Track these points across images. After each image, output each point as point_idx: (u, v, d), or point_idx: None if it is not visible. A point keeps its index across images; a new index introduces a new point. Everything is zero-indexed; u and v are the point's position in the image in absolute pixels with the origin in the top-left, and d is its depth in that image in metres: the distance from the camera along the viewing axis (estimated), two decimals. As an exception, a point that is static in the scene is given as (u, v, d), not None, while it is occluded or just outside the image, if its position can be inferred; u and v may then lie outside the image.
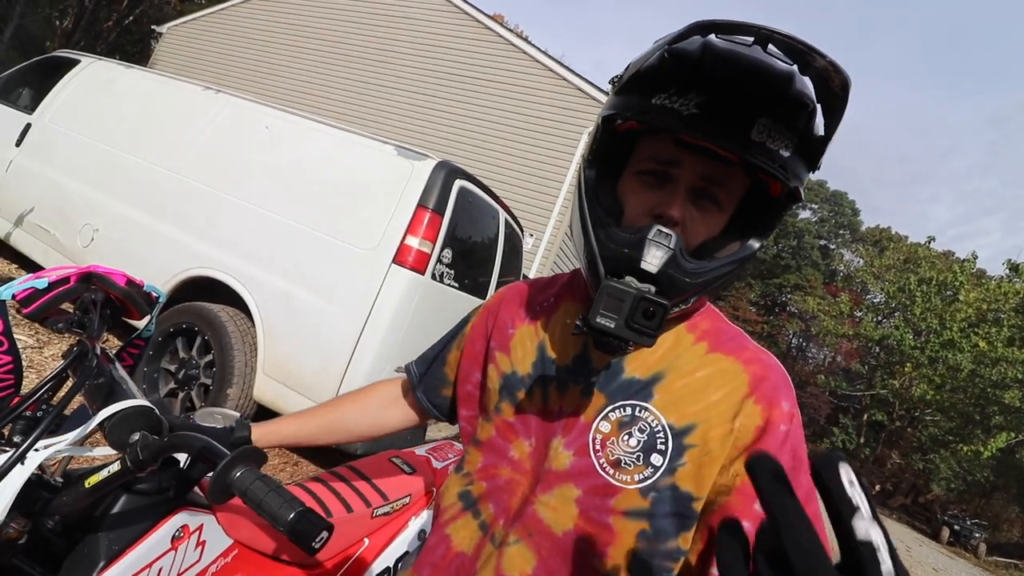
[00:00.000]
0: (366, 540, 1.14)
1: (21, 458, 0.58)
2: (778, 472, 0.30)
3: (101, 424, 0.67)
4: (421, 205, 2.67)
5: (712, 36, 0.56)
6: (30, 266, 3.84)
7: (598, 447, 0.64)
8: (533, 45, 9.05)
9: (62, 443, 0.64)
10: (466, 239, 3.09)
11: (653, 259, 0.57)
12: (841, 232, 38.09)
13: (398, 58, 9.73)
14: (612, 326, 0.54)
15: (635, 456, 0.62)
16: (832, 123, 0.57)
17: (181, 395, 2.90)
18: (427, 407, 0.90)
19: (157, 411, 0.72)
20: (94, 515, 0.72)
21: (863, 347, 25.73)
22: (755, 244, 0.62)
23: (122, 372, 0.80)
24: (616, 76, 0.65)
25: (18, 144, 3.84)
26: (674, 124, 0.56)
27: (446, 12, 9.58)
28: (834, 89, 0.54)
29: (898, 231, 35.20)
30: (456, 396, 0.85)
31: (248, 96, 3.57)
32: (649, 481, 0.61)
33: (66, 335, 0.77)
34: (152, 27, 13.26)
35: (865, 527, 0.27)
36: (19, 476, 0.59)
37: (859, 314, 24.52)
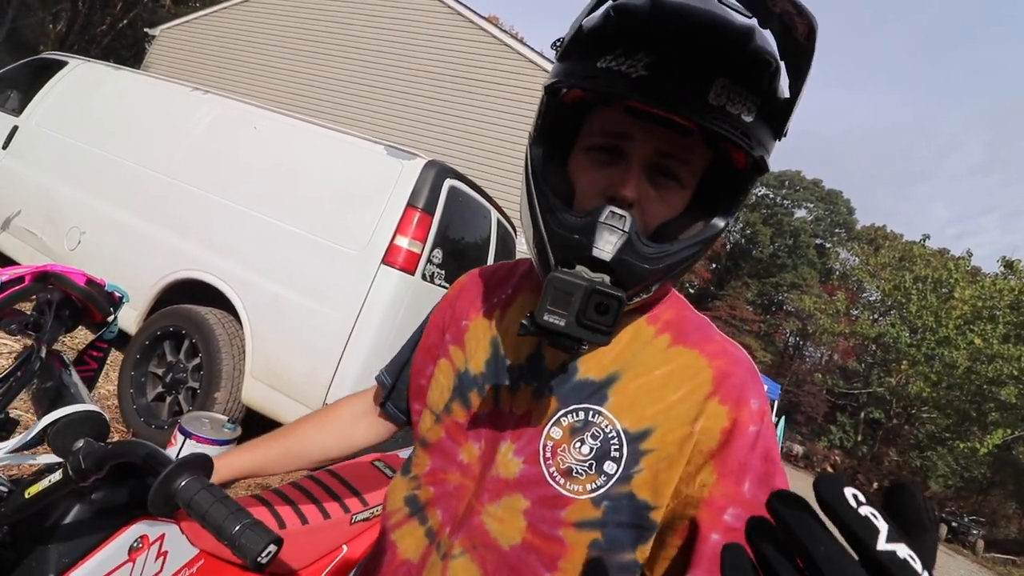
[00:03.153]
0: (344, 547, 1.11)
1: None
2: (803, 508, 0.27)
3: (45, 430, 0.64)
4: (411, 205, 2.64)
5: None
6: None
7: (548, 455, 0.59)
8: (528, 46, 9.03)
9: (4, 451, 0.60)
10: (457, 239, 3.06)
11: (606, 245, 0.51)
12: (837, 231, 38.21)
13: (392, 59, 9.70)
14: (562, 324, 0.48)
15: (587, 465, 0.57)
16: (798, 79, 0.51)
17: (169, 399, 2.86)
18: (394, 415, 0.86)
19: (104, 416, 0.69)
20: (45, 525, 0.69)
21: (860, 345, 25.80)
22: (720, 223, 0.56)
23: (75, 376, 0.76)
24: (558, 39, 0.57)
25: (4, 147, 3.79)
26: (621, 89, 0.50)
27: (440, 13, 9.56)
28: (798, 37, 0.49)
29: (893, 229, 35.31)
30: (410, 393, 0.81)
31: (239, 97, 3.53)
32: (602, 490, 0.56)
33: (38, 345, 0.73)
34: (145, 30, 13.20)
35: (890, 547, 0.24)
36: None
37: (855, 312, 24.59)
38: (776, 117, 0.52)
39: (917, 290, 18.67)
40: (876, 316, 24.56)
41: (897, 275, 21.44)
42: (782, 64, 0.50)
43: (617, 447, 0.57)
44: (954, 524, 17.53)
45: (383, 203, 2.66)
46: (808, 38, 0.48)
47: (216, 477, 0.78)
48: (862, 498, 0.26)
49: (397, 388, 0.85)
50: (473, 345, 0.70)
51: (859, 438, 26.09)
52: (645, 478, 0.56)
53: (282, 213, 2.83)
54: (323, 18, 10.62)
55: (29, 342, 0.77)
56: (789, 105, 0.52)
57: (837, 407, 28.79)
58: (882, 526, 0.25)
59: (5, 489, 0.70)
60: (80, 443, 0.62)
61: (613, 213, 0.51)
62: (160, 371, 2.90)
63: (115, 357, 3.33)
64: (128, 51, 19.03)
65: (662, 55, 0.49)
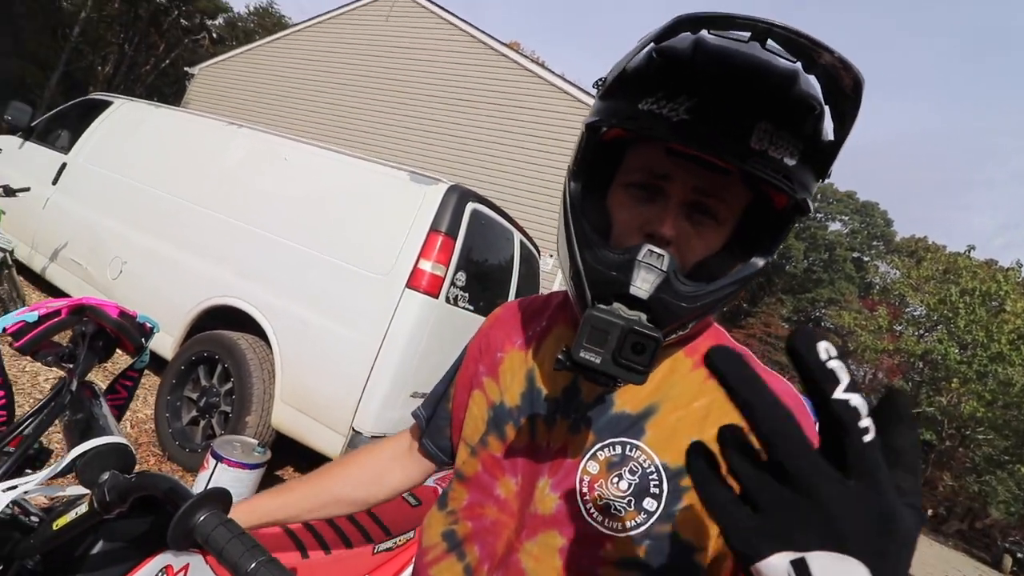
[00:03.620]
0: (366, 578, 1.09)
1: None
2: (744, 366, 0.29)
3: (74, 462, 0.65)
4: (433, 229, 2.66)
5: (704, 32, 0.50)
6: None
7: (585, 490, 0.57)
8: (549, 70, 9.16)
9: (31, 483, 0.61)
10: (481, 261, 3.07)
11: (643, 283, 0.51)
12: (875, 243, 36.98)
13: (415, 88, 9.97)
14: (598, 362, 0.48)
15: (626, 501, 0.55)
16: (843, 127, 0.50)
17: (203, 423, 2.92)
18: (433, 453, 0.82)
19: (131, 448, 0.69)
20: (74, 555, 0.70)
21: (905, 363, 24.65)
22: (759, 262, 0.55)
23: (105, 407, 0.78)
24: (600, 79, 0.59)
25: (55, 183, 4.03)
26: (663, 132, 0.51)
27: (461, 42, 9.81)
28: (844, 89, 0.48)
29: (935, 240, 33.94)
30: (452, 428, 0.80)
31: (270, 129, 3.67)
32: (642, 528, 0.55)
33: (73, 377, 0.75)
34: (185, 69, 13.94)
35: (844, 395, 0.26)
36: None
37: (899, 328, 23.59)
38: (820, 159, 0.52)
39: (964, 304, 17.82)
40: (921, 332, 23.50)
41: (942, 288, 20.53)
42: (826, 108, 0.50)
43: (657, 483, 0.55)
44: (1021, 555, 16.34)
45: (407, 228, 2.70)
46: (854, 91, 0.48)
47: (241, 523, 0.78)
48: (834, 352, 0.27)
49: (434, 423, 0.83)
50: (508, 377, 0.70)
51: (908, 461, 24.75)
52: (688, 517, 0.54)
53: (310, 240, 2.90)
54: (349, 52, 11.02)
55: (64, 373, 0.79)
56: (834, 148, 0.52)
57: (883, 428, 27.44)
58: (844, 378, 0.27)
59: (36, 519, 0.71)
60: (106, 476, 0.62)
61: (651, 252, 0.51)
62: (195, 395, 2.97)
63: (153, 381, 3.43)
64: (170, 89, 20.13)
65: (704, 98, 0.49)
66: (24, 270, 3.94)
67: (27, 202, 3.81)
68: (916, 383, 23.45)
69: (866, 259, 36.61)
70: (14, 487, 0.60)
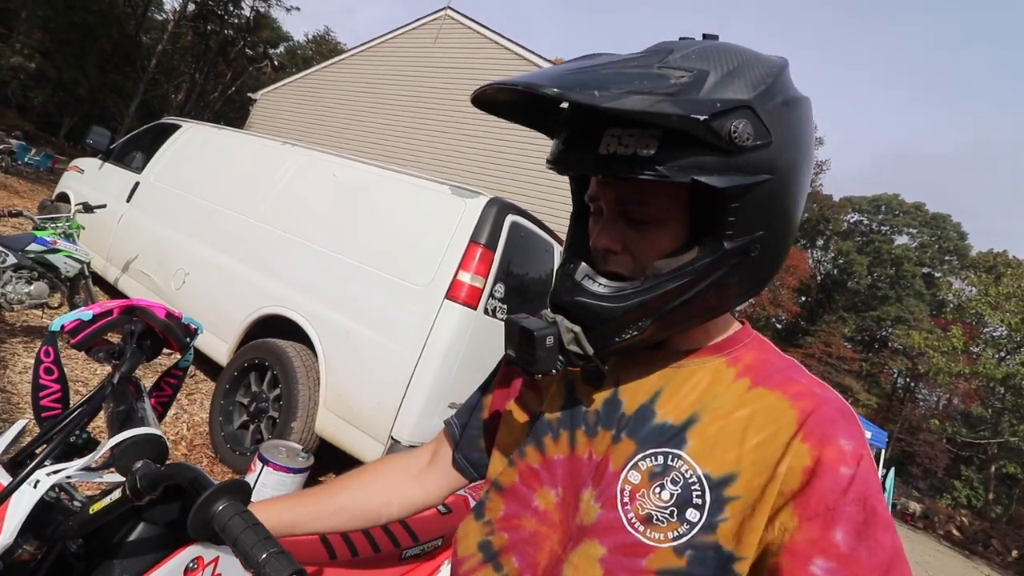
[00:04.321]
0: (392, 582, 1.09)
1: (21, 483, 0.60)
2: None
3: (111, 450, 0.69)
4: (473, 241, 2.70)
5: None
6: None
7: (626, 500, 0.58)
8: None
9: (71, 468, 0.65)
10: (520, 273, 3.08)
11: (560, 290, 0.58)
12: (947, 258, 34.54)
13: (463, 106, 10.19)
14: (514, 355, 0.57)
15: (668, 511, 0.55)
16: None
17: (252, 427, 3.04)
18: (464, 467, 0.82)
19: (164, 439, 0.73)
20: (112, 540, 0.74)
21: (984, 388, 22.71)
22: (706, 250, 0.54)
23: (146, 402, 0.82)
24: None
25: (128, 200, 4.36)
26: (552, 163, 0.59)
27: (507, 60, 10.00)
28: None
29: (1016, 255, 31.29)
30: (485, 441, 0.80)
31: (322, 148, 3.84)
32: (685, 539, 0.54)
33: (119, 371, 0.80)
34: (248, 95, 14.86)
35: None
36: (28, 500, 0.61)
37: (976, 350, 21.84)
38: (695, 135, 0.49)
39: (1052, 324, 16.31)
40: (1002, 354, 21.64)
41: (1025, 307, 18.89)
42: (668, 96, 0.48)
43: (699, 493, 0.55)
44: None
45: (447, 240, 2.75)
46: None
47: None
48: None
49: (467, 434, 0.83)
50: (547, 389, 0.71)
51: (991, 496, 22.68)
52: (731, 527, 0.53)
53: (355, 252, 2.99)
54: (399, 73, 11.44)
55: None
56: (705, 120, 0.49)
57: (961, 459, 25.32)
58: None
59: (79, 504, 0.76)
60: (139, 464, 0.66)
61: (568, 263, 0.60)
62: (246, 401, 3.10)
63: (210, 386, 3.61)
64: (235, 113, 21.51)
65: (568, 129, 0.58)
66: (99, 281, 4.27)
67: (104, 218, 4.14)
68: (997, 410, 21.54)
69: (938, 275, 34.22)
70: (56, 472, 0.64)
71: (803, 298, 36.62)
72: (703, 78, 0.49)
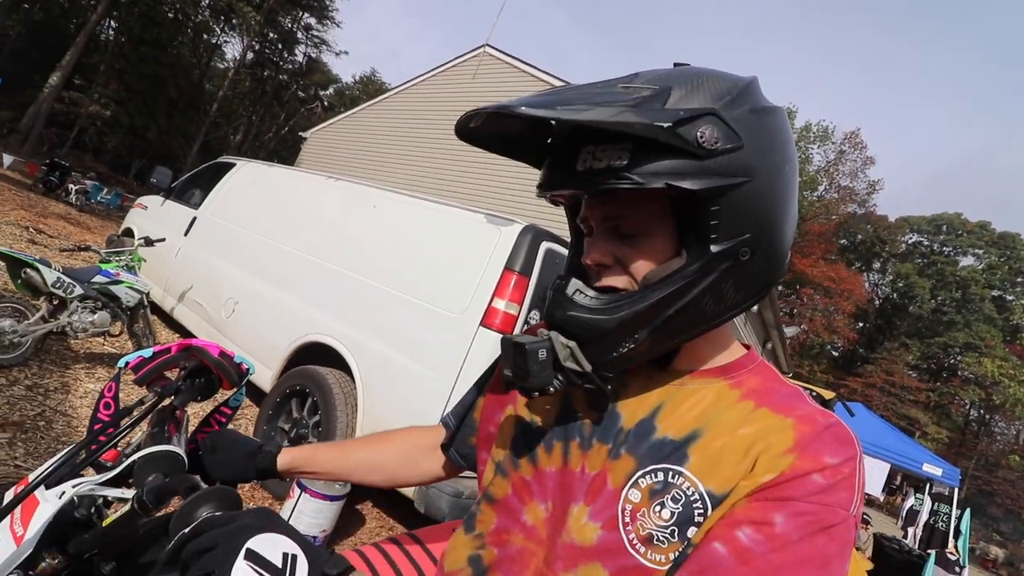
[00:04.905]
0: (417, 616, 1.07)
1: (29, 493, 0.62)
2: None
3: (129, 466, 0.71)
4: (508, 268, 2.71)
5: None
6: (187, 336, 4.48)
7: (627, 520, 0.55)
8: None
9: (92, 482, 0.68)
10: (556, 300, 3.06)
11: (553, 307, 0.59)
12: (1019, 280, 32.18)
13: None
14: (510, 374, 0.57)
15: (668, 531, 0.53)
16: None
17: (293, 454, 3.09)
18: (456, 461, 0.85)
19: (182, 456, 0.74)
20: (140, 562, 0.75)
21: (1071, 420, 20.72)
22: (694, 255, 0.55)
23: (182, 433, 0.84)
24: None
25: (186, 234, 4.62)
26: (539, 187, 0.62)
27: (539, 88, 10.17)
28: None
29: (1102, 276, 28.84)
30: (478, 440, 0.80)
31: (364, 181, 3.99)
32: None
33: (166, 399, 0.85)
34: (299, 133, 15.70)
35: None
36: (50, 508, 0.63)
37: (1059, 379, 20.04)
38: (663, 142, 0.50)
39: None
40: (1090, 384, 19.77)
41: (1115, 332, 17.27)
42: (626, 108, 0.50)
43: (701, 511, 0.53)
44: None
45: (482, 267, 2.76)
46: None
47: (290, 466, 0.85)
48: None
49: (461, 432, 0.84)
50: (542, 399, 0.69)
51: (1087, 542, 20.41)
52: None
53: (393, 280, 3.05)
54: (440, 108, 11.82)
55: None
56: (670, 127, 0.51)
57: (1048, 499, 23.02)
58: None
59: (93, 520, 0.77)
60: (152, 477, 0.67)
61: (559, 281, 0.60)
62: (287, 427, 3.16)
63: (254, 412, 3.72)
64: (287, 151, 22.77)
65: (550, 153, 0.61)
66: (157, 310, 4.51)
67: (163, 251, 4.40)
68: (1089, 446, 19.58)
69: (1010, 298, 31.89)
70: (77, 485, 0.66)
71: (860, 324, 34.80)
72: (667, 92, 0.52)
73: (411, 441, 0.91)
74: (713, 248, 0.53)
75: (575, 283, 0.59)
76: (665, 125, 0.48)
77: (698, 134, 0.50)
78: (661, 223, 0.57)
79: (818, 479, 0.50)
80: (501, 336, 0.62)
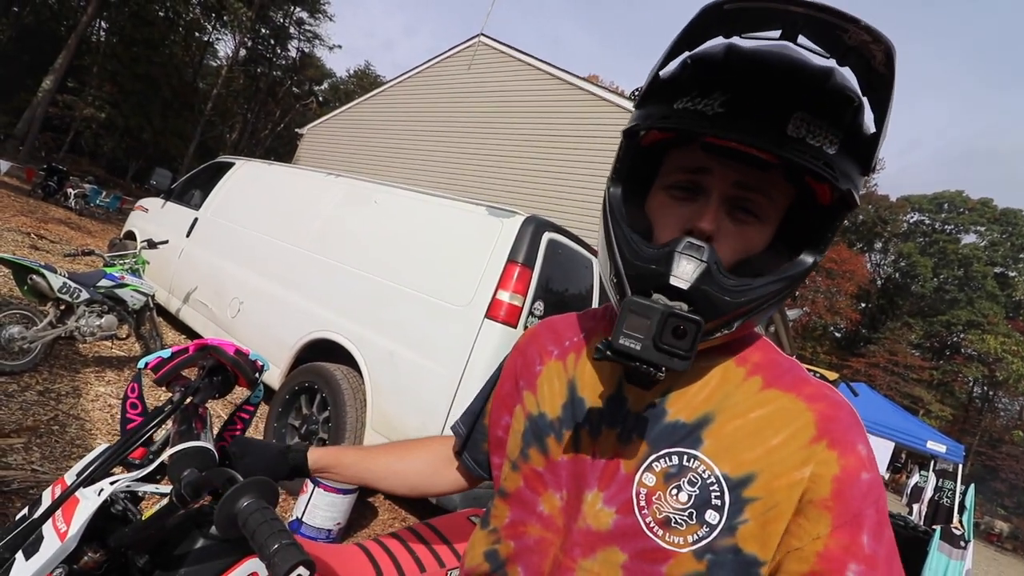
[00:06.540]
0: (437, 602, 1.09)
1: (72, 492, 0.65)
2: None
3: (163, 463, 0.73)
4: (511, 260, 2.72)
5: (735, 39, 0.53)
6: (193, 337, 4.50)
7: (643, 503, 0.56)
8: (628, 98, 9.15)
9: (129, 479, 0.70)
10: (559, 290, 3.07)
11: (683, 273, 0.51)
12: (1022, 256, 32.10)
13: (499, 128, 10.38)
14: (638, 348, 0.48)
15: (687, 514, 0.54)
16: (882, 112, 0.50)
17: (304, 450, 3.13)
18: (471, 467, 0.84)
19: (213, 451, 0.77)
20: (174, 554, 0.77)
21: (1075, 394, 20.78)
22: (807, 260, 0.55)
23: (208, 428, 0.87)
24: (636, 88, 0.62)
25: (188, 235, 4.63)
26: (699, 125, 0.52)
27: (541, 80, 10.11)
28: (877, 67, 0.48)
29: (1104, 250, 28.74)
30: (489, 445, 0.80)
31: (364, 177, 3.99)
32: (705, 542, 0.53)
33: (189, 398, 0.87)
34: (296, 130, 15.63)
35: None
36: (91, 505, 0.65)
37: (1062, 353, 20.07)
38: (861, 151, 0.52)
39: None
40: (1094, 357, 19.80)
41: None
42: (864, 100, 0.50)
43: (718, 494, 0.53)
44: None
45: (485, 260, 2.78)
46: (887, 65, 0.47)
47: (316, 467, 0.85)
48: None
49: (472, 438, 0.84)
50: (547, 389, 0.70)
51: (1091, 514, 20.55)
52: (751, 529, 0.52)
53: (396, 275, 3.07)
54: (436, 100, 11.76)
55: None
56: (875, 139, 0.52)
57: (1052, 473, 23.15)
58: None
59: (132, 516, 0.80)
60: (186, 472, 0.70)
61: (691, 243, 0.52)
62: (297, 423, 3.20)
63: (264, 410, 3.75)
64: (284, 148, 22.70)
65: (738, 92, 0.51)
66: (162, 312, 4.54)
67: (166, 253, 4.41)
68: (1093, 419, 19.64)
69: (1012, 274, 31.83)
70: (115, 482, 0.69)
71: (863, 304, 34.78)
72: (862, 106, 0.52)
73: (433, 451, 0.90)
74: (816, 259, 0.54)
75: (713, 252, 0.52)
76: (875, 133, 0.51)
77: (877, 156, 0.52)
78: (775, 217, 0.57)
79: (865, 477, 0.52)
80: (629, 299, 0.50)
